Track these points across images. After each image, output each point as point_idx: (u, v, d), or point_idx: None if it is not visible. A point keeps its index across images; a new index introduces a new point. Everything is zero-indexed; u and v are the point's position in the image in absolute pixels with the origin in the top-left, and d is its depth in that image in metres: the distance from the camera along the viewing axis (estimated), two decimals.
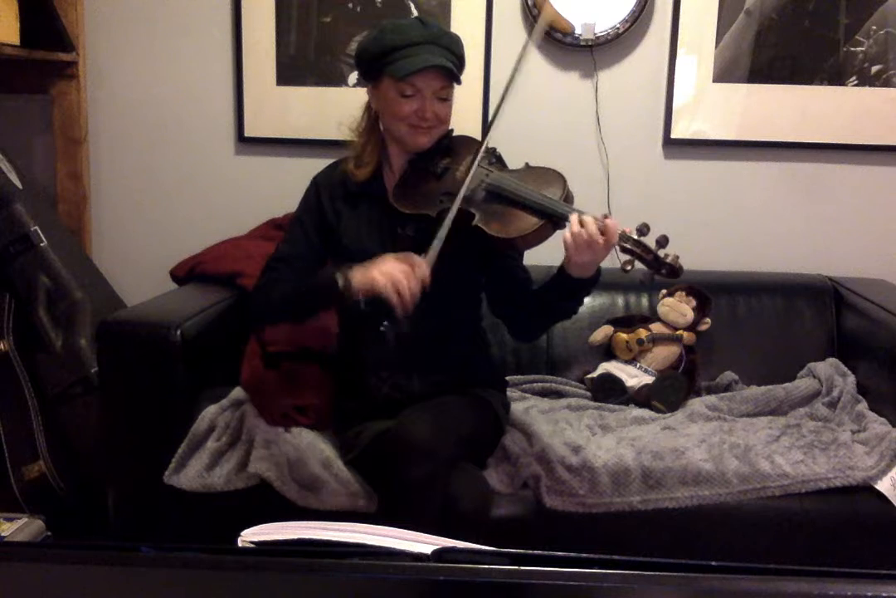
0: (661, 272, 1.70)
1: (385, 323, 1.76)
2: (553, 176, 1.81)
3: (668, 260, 1.68)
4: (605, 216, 1.68)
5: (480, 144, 1.80)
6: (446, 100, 1.82)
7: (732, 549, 1.92)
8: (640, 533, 1.92)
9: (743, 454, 1.98)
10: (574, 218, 1.67)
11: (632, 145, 2.69)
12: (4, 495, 2.31)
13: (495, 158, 1.87)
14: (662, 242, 1.68)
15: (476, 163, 1.77)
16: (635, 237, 1.68)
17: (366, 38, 1.84)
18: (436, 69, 1.76)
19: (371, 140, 1.90)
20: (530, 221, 1.73)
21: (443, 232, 1.70)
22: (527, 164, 1.87)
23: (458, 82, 1.81)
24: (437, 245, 1.68)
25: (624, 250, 1.69)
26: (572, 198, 1.79)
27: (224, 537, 0.79)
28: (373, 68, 1.81)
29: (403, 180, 1.88)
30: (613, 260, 2.36)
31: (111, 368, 2.02)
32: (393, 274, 1.66)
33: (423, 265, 1.67)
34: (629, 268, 1.69)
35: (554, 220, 1.73)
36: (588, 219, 1.66)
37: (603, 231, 1.64)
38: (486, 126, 1.78)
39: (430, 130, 1.83)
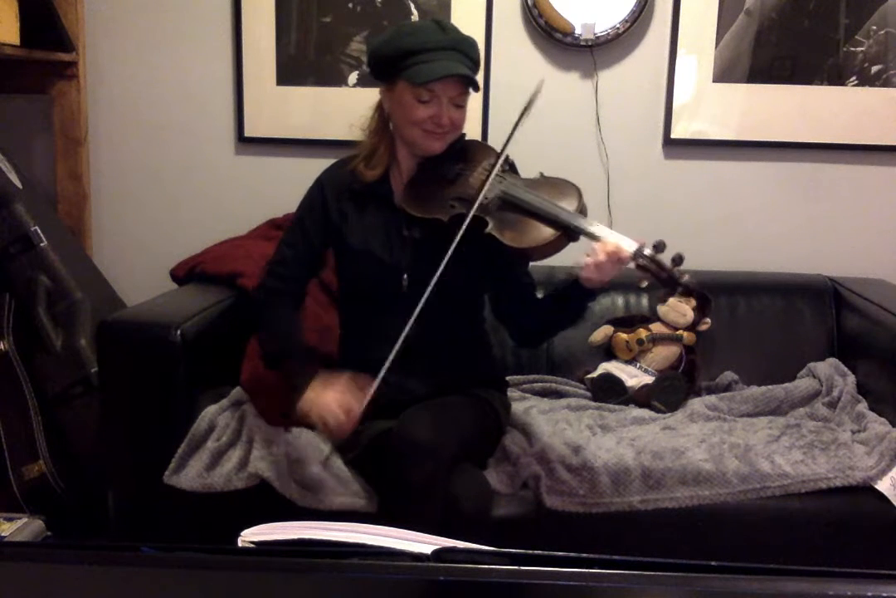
0: (677, 290, 1.69)
1: None
2: (569, 188, 1.80)
3: (684, 280, 1.67)
4: (641, 245, 1.68)
5: (500, 153, 1.79)
6: (462, 106, 1.81)
7: (732, 549, 1.92)
8: (640, 533, 1.91)
9: (743, 454, 1.98)
10: (599, 246, 1.67)
11: (632, 145, 2.69)
12: (4, 495, 2.31)
13: (508, 166, 1.86)
14: (678, 260, 1.67)
15: (495, 171, 1.77)
16: (651, 254, 1.67)
17: (381, 38, 1.81)
18: (456, 77, 1.75)
19: (383, 141, 1.88)
20: (546, 233, 1.72)
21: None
22: (541, 173, 1.86)
23: (477, 89, 1.80)
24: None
25: (639, 267, 1.68)
26: (586, 210, 1.78)
27: (224, 537, 0.79)
28: (388, 70, 1.79)
29: (413, 183, 1.87)
30: None
31: (111, 368, 2.01)
32: (328, 411, 1.74)
33: (362, 401, 1.72)
34: (644, 285, 1.69)
35: (569, 233, 1.72)
36: (613, 247, 1.67)
37: (619, 258, 1.66)
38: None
39: (444, 135, 1.82)
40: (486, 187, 1.75)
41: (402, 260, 1.86)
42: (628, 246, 1.68)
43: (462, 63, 1.75)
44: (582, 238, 1.74)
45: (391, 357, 1.68)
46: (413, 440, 1.69)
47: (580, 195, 1.78)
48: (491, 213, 1.76)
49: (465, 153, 1.87)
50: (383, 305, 1.85)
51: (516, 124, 1.75)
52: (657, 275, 1.67)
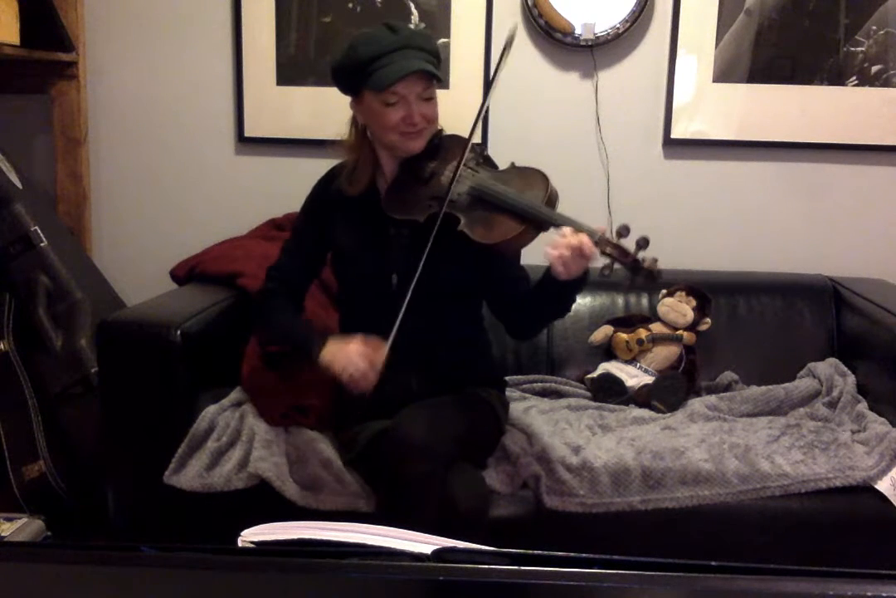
0: (639, 277, 1.66)
1: None
2: (536, 177, 1.78)
3: (646, 264, 1.64)
4: (602, 231, 1.65)
5: (463, 149, 1.78)
6: (431, 99, 1.81)
7: (732, 549, 1.92)
8: (640, 533, 1.91)
9: (743, 454, 1.98)
10: (562, 242, 1.63)
11: (632, 145, 2.69)
12: (4, 495, 2.31)
13: (483, 159, 1.86)
14: (642, 243, 1.63)
15: (459, 169, 1.76)
16: (614, 241, 1.65)
17: (339, 55, 1.82)
18: (414, 74, 1.74)
19: (363, 155, 1.89)
20: (512, 226, 1.71)
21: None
22: (512, 163, 1.85)
23: (440, 80, 1.80)
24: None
25: (603, 254, 1.66)
26: (556, 197, 1.76)
27: (224, 537, 0.79)
28: (352, 83, 1.81)
29: (393, 186, 1.89)
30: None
31: (111, 368, 2.02)
32: (350, 361, 1.76)
33: (382, 351, 1.74)
34: (607, 273, 1.66)
35: (536, 224, 1.71)
36: (575, 241, 1.63)
37: (581, 253, 1.63)
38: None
39: (421, 132, 1.82)
40: (453, 184, 1.75)
41: (390, 261, 1.88)
42: (590, 233, 1.65)
43: (418, 58, 1.75)
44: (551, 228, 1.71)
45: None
46: (408, 440, 1.70)
47: (547, 184, 1.75)
48: (462, 209, 1.76)
49: (442, 150, 1.87)
50: (376, 305, 1.86)
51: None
52: (621, 261, 1.65)
